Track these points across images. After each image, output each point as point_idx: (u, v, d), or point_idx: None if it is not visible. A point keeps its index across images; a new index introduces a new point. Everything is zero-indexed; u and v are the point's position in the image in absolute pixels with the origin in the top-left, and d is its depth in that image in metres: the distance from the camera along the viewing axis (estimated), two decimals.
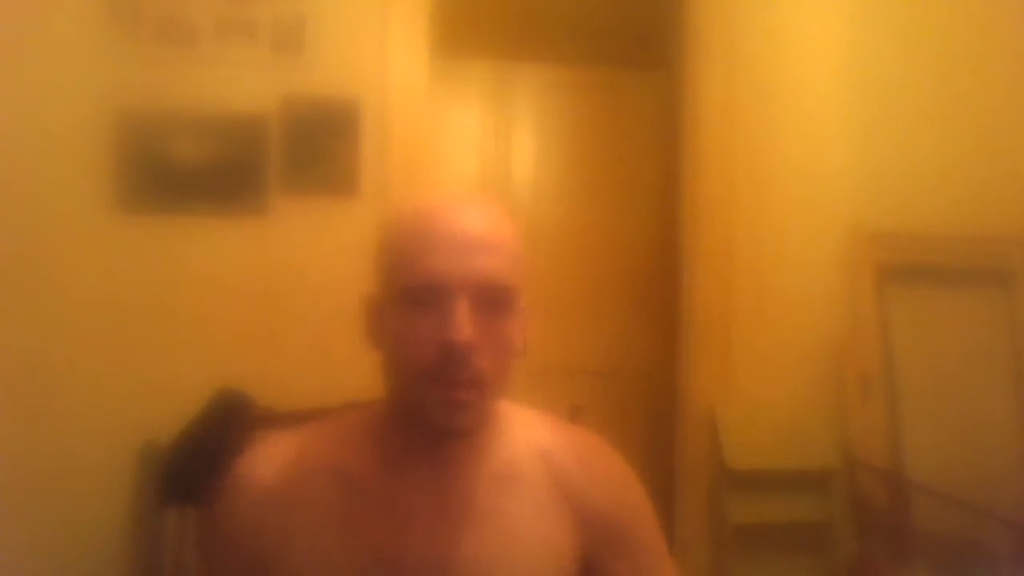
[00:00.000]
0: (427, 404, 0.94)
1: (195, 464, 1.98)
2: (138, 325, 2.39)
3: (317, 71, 2.48)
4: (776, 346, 2.70)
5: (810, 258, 2.72)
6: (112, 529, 2.34)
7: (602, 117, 3.65)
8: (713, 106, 2.72)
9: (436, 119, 2.79)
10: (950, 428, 2.65)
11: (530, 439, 1.05)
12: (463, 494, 0.99)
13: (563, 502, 1.02)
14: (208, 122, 2.43)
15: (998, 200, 2.72)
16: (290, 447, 1.03)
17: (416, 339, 0.93)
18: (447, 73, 3.01)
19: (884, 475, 2.62)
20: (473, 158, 3.62)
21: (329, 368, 2.35)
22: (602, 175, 3.66)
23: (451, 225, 0.95)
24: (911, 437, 2.67)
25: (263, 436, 1.06)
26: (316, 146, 2.47)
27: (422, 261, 0.93)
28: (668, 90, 3.10)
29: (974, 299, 2.75)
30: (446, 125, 3.41)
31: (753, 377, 2.69)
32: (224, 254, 2.44)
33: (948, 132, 2.75)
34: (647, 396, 3.52)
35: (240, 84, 2.44)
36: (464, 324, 0.91)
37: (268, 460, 1.02)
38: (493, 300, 0.94)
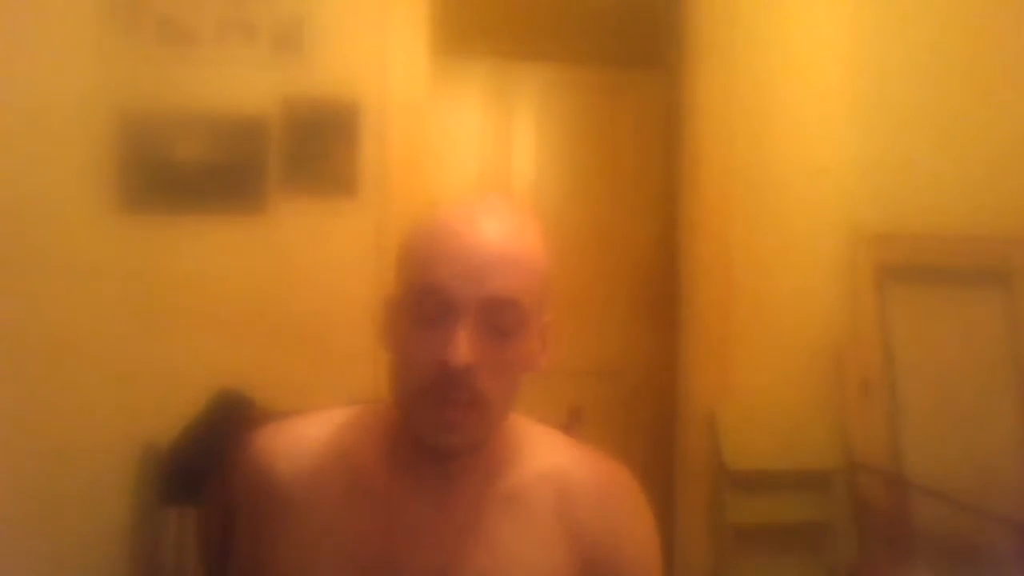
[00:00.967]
0: (422, 421, 0.93)
1: (195, 464, 1.98)
2: (138, 325, 2.39)
3: (317, 71, 2.47)
4: (776, 346, 2.70)
5: (810, 258, 2.72)
6: (112, 529, 2.34)
7: (602, 117, 3.65)
8: (713, 106, 2.72)
9: (436, 119, 2.79)
10: (950, 428, 2.65)
11: (541, 462, 1.02)
12: (465, 512, 0.97)
13: (566, 530, 0.99)
14: (208, 122, 2.43)
15: (998, 200, 2.72)
16: (304, 435, 1.02)
17: (417, 354, 0.92)
18: (447, 73, 3.01)
19: (884, 475, 2.62)
20: (473, 158, 3.61)
21: (329, 368, 2.35)
22: (602, 175, 3.66)
23: (467, 238, 0.92)
24: (911, 437, 2.67)
25: (276, 422, 1.05)
26: (316, 146, 2.47)
27: (431, 274, 0.91)
28: (668, 90, 3.09)
29: (974, 299, 2.75)
30: (446, 125, 3.41)
31: (753, 377, 2.69)
32: (224, 254, 2.44)
33: (948, 132, 2.75)
34: (647, 397, 3.52)
35: (240, 84, 2.44)
36: (463, 346, 0.89)
37: (280, 444, 1.01)
38: (503, 321, 0.92)
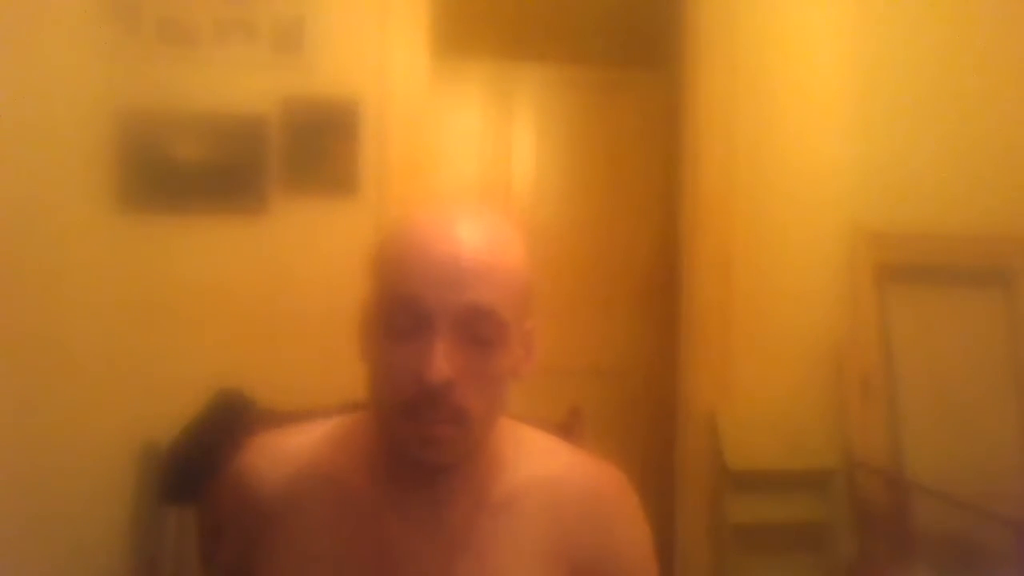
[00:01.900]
0: (403, 438, 0.90)
1: (195, 464, 1.98)
2: (138, 325, 2.39)
3: (317, 71, 2.47)
4: (776, 346, 2.70)
5: (810, 258, 2.72)
6: (112, 529, 2.33)
7: (602, 117, 3.65)
8: (713, 106, 2.72)
9: (436, 119, 2.80)
10: (950, 428, 2.65)
11: (532, 470, 0.99)
12: (454, 524, 0.95)
13: (558, 540, 0.97)
14: (208, 122, 2.43)
15: (998, 200, 2.72)
16: (291, 448, 1.01)
17: (394, 368, 0.88)
18: (447, 73, 3.01)
19: (884, 475, 2.62)
20: (473, 158, 3.61)
21: (329, 368, 2.35)
22: (602, 175, 3.66)
23: (441, 246, 0.88)
24: (911, 437, 2.67)
25: (263, 433, 1.05)
26: (316, 146, 2.47)
27: (405, 285, 0.88)
28: (668, 90, 3.10)
29: (974, 299, 2.75)
30: (446, 125, 3.41)
31: (753, 377, 2.68)
32: (224, 254, 2.44)
33: (948, 132, 2.75)
34: (647, 396, 3.52)
35: (240, 84, 2.44)
36: (441, 360, 0.85)
37: (266, 458, 1.00)
38: (482, 332, 0.88)
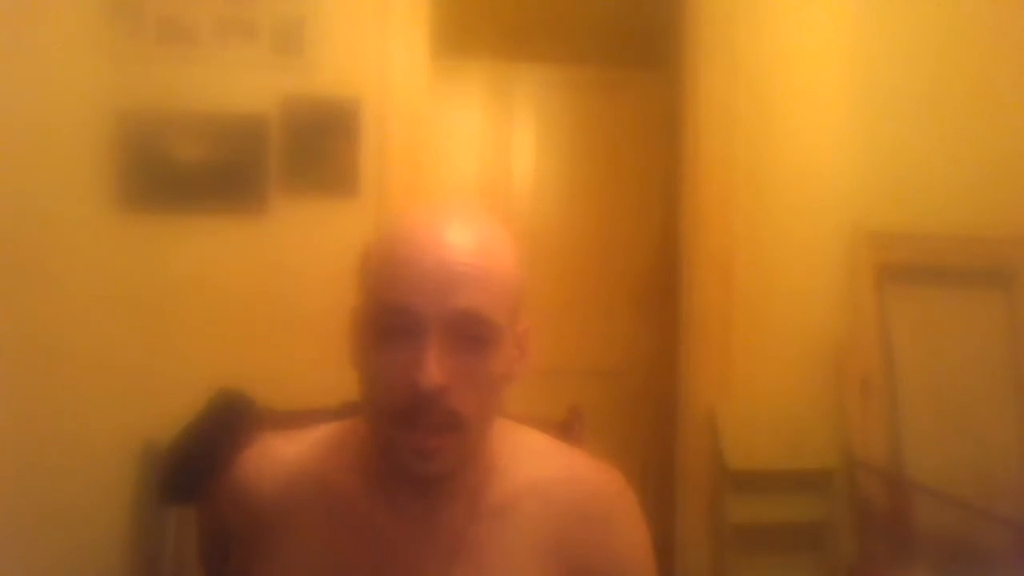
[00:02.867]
0: (397, 446, 0.89)
1: (195, 464, 1.98)
2: (138, 325, 2.39)
3: (317, 71, 2.47)
4: (776, 346, 2.70)
5: (810, 258, 2.72)
6: (112, 529, 2.33)
7: (602, 117, 3.65)
8: (713, 106, 2.72)
9: (436, 119, 2.79)
10: (950, 428, 2.65)
11: (528, 474, 0.98)
12: (449, 530, 0.94)
13: (554, 544, 0.96)
14: (208, 122, 2.43)
15: (998, 200, 2.72)
16: (286, 455, 1.00)
17: (385, 376, 0.87)
18: (447, 73, 3.01)
19: (884, 475, 2.62)
20: (473, 158, 3.62)
21: (329, 368, 2.35)
22: (602, 175, 3.66)
23: (429, 251, 0.87)
24: (911, 437, 2.67)
25: (259, 439, 1.04)
26: (316, 146, 2.47)
27: (394, 290, 0.87)
28: (668, 90, 3.10)
29: (974, 299, 2.75)
30: (446, 125, 3.41)
31: (753, 377, 2.68)
32: (224, 254, 2.44)
33: (948, 132, 2.75)
34: (647, 396, 3.53)
35: (240, 84, 2.44)
36: (432, 366, 0.84)
37: (263, 466, 1.00)
38: (474, 335, 0.87)
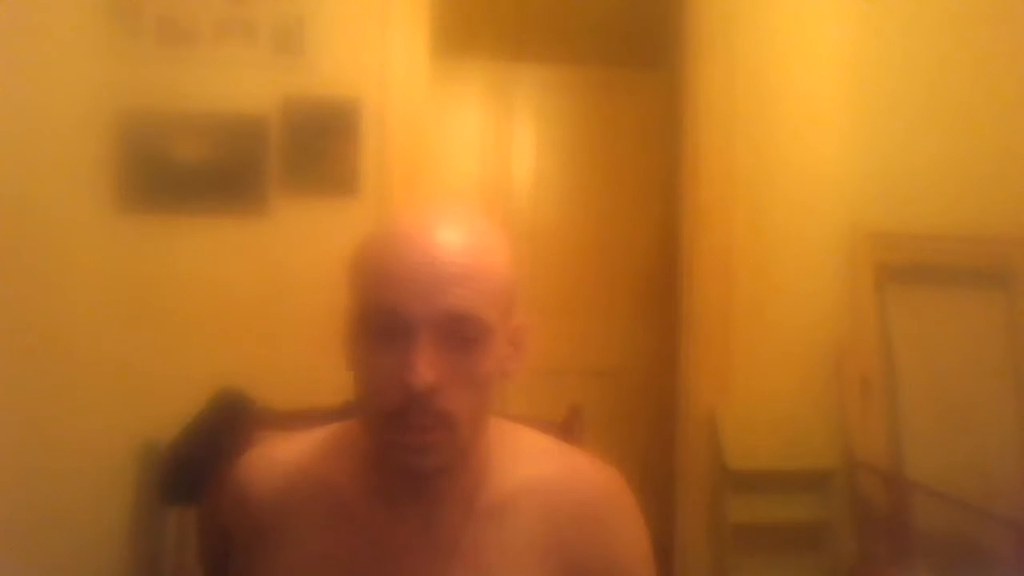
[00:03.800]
0: (391, 446, 0.89)
1: (195, 464, 1.98)
2: (138, 325, 2.39)
3: (317, 71, 2.48)
4: (776, 346, 2.70)
5: (810, 258, 2.72)
6: (112, 529, 2.33)
7: (602, 117, 3.65)
8: (713, 106, 2.72)
9: (436, 119, 2.80)
10: (950, 428, 2.65)
11: (525, 473, 0.98)
12: (446, 530, 0.95)
13: (552, 544, 0.96)
14: (208, 122, 2.43)
15: (998, 200, 2.72)
16: (285, 457, 1.01)
17: (377, 377, 0.88)
18: (447, 73, 3.01)
19: (884, 475, 2.62)
20: (473, 158, 3.62)
21: (329, 368, 2.35)
22: (602, 175, 3.66)
23: (417, 253, 0.88)
24: (911, 437, 2.67)
25: (260, 441, 1.05)
26: (316, 146, 2.47)
27: (382, 293, 0.88)
28: (668, 90, 3.10)
29: (974, 299, 2.75)
30: (446, 125, 3.41)
31: (753, 377, 2.68)
32: (224, 254, 2.44)
33: (948, 132, 2.74)
34: (647, 396, 3.53)
35: (240, 84, 2.44)
36: (423, 367, 0.85)
37: (261, 468, 1.01)
38: (464, 335, 0.88)
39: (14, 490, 2.27)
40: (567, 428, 1.31)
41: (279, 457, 1.01)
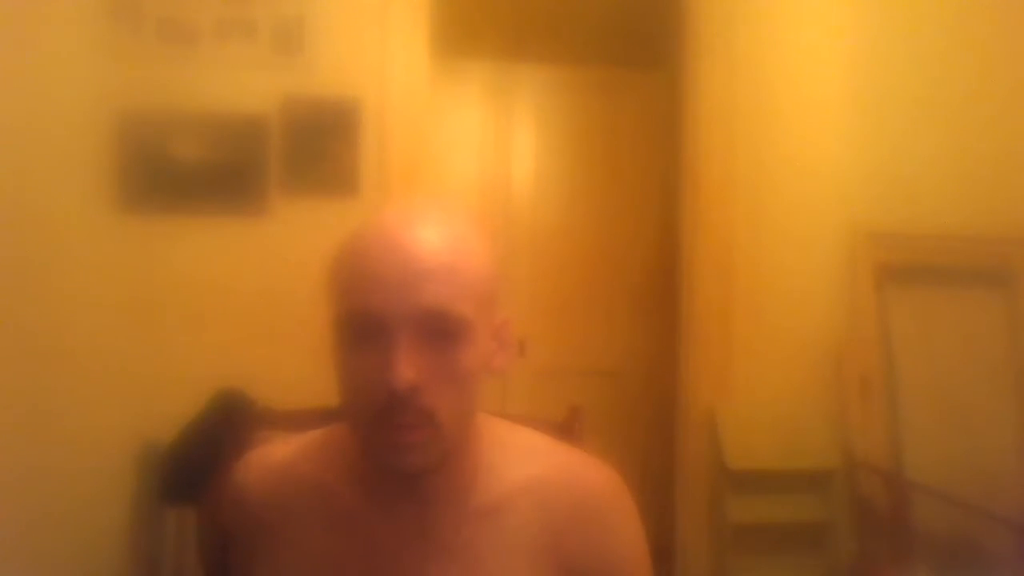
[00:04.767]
0: (378, 446, 0.89)
1: (195, 464, 1.98)
2: (138, 324, 2.39)
3: (317, 71, 2.48)
4: (776, 346, 2.70)
5: (810, 258, 2.72)
6: (112, 529, 2.34)
7: (602, 117, 3.65)
8: (713, 106, 2.72)
9: (436, 119, 2.79)
10: (950, 428, 2.65)
11: (520, 473, 0.98)
12: (441, 531, 0.94)
13: (547, 544, 0.96)
14: (208, 122, 2.43)
15: (998, 200, 2.72)
16: (281, 460, 1.01)
17: (359, 378, 0.88)
18: (447, 73, 3.01)
19: (884, 475, 2.62)
20: (473, 158, 3.62)
21: (329, 368, 2.35)
22: (602, 175, 3.66)
23: (392, 252, 0.88)
24: (911, 437, 2.67)
25: (260, 441, 1.05)
26: (316, 146, 2.47)
27: (362, 292, 0.87)
28: (668, 90, 3.10)
29: (974, 299, 2.75)
30: (446, 125, 3.41)
31: (753, 377, 2.68)
32: (224, 254, 2.44)
33: (948, 132, 2.75)
34: (647, 396, 3.53)
35: (240, 84, 2.44)
36: (403, 366, 0.85)
37: (257, 471, 1.01)
38: (443, 331, 0.87)
39: (14, 490, 2.27)
40: (567, 428, 1.31)
41: (278, 458, 1.01)
